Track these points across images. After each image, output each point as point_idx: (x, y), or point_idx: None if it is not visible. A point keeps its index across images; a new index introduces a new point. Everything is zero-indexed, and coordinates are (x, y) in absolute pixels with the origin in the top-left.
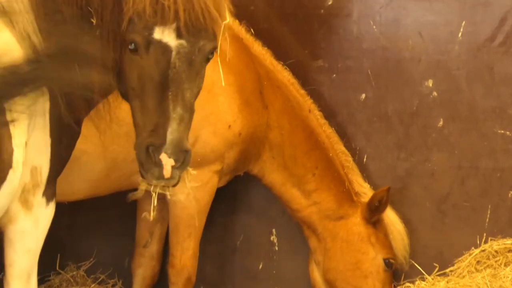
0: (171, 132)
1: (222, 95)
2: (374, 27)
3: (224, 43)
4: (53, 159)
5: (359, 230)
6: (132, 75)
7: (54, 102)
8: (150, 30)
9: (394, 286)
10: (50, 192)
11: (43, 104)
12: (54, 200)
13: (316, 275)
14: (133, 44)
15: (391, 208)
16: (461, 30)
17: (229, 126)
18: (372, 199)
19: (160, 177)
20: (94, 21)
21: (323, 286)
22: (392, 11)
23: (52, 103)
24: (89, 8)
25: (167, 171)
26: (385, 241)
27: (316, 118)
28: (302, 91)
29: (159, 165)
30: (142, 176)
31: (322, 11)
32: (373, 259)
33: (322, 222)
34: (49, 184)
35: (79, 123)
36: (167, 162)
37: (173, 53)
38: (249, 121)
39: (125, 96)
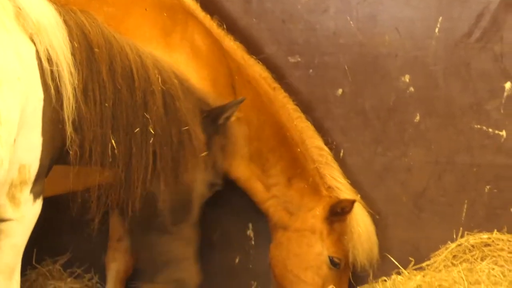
0: None
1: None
2: (351, 22)
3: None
4: (43, 157)
5: (314, 223)
6: None
7: (49, 100)
8: None
9: (370, 281)
10: (38, 189)
11: (36, 104)
12: (41, 197)
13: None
14: None
15: (364, 208)
16: (438, 25)
17: None
18: (336, 204)
19: None
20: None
21: None
22: (369, 7)
23: (46, 102)
24: None
25: None
26: (338, 240)
27: (288, 113)
28: (275, 85)
29: None
30: None
31: (299, 6)
32: (318, 254)
33: (278, 213)
34: (37, 181)
35: None
36: None
37: None
38: None
39: None
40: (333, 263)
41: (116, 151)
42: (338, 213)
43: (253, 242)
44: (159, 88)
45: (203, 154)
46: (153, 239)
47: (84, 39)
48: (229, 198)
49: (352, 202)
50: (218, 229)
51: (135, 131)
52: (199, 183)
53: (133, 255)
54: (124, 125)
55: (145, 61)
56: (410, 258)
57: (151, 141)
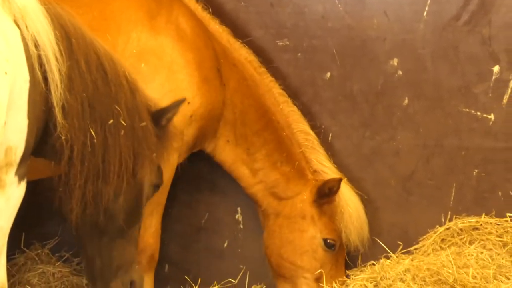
0: None
1: (181, 73)
2: (339, 6)
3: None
4: (29, 139)
5: (303, 207)
6: None
7: (34, 82)
8: None
9: (359, 264)
10: (22, 171)
11: (22, 85)
12: (25, 179)
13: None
14: None
15: (352, 188)
16: (426, 9)
17: (188, 103)
18: (323, 185)
19: None
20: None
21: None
22: None
23: (31, 83)
24: None
25: None
26: (329, 221)
27: (274, 96)
28: (262, 69)
29: None
30: None
31: None
32: (311, 238)
33: (266, 199)
34: (22, 163)
35: None
36: None
37: None
38: (208, 98)
39: None
40: (328, 245)
41: (95, 140)
42: (326, 194)
43: (241, 226)
44: (125, 81)
45: (154, 154)
46: (107, 243)
47: (63, 30)
48: (218, 182)
49: (339, 180)
50: (207, 213)
51: (109, 122)
52: (147, 184)
53: None
54: (100, 116)
55: (112, 55)
56: (399, 242)
57: (122, 133)
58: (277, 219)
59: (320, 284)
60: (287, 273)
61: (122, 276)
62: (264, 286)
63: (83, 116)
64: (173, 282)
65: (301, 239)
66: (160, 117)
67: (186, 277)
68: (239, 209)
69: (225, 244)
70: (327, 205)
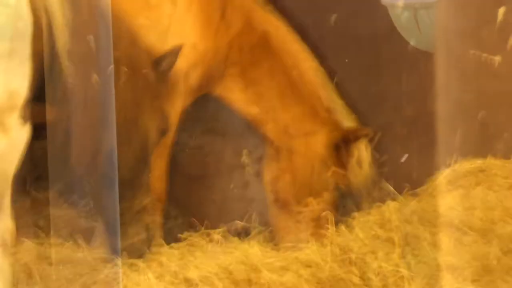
0: None
1: (186, 15)
2: None
3: None
4: (31, 83)
5: (319, 149)
6: None
7: (37, 26)
8: None
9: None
10: (26, 114)
11: (25, 30)
12: (29, 122)
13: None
14: None
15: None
16: None
17: (193, 46)
18: (349, 132)
19: None
20: None
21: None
22: None
23: (35, 28)
24: None
25: None
26: (342, 167)
27: (281, 35)
28: (268, 8)
29: None
30: None
31: None
32: (323, 180)
33: (281, 139)
34: (25, 107)
35: None
36: None
37: None
38: (213, 41)
39: None
40: (337, 189)
41: (97, 87)
42: (349, 140)
43: (248, 169)
44: (125, 24)
45: (158, 100)
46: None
47: None
48: (224, 123)
49: (368, 132)
50: (212, 156)
51: (110, 67)
52: (153, 130)
53: None
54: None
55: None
56: (405, 184)
57: (123, 80)
58: (291, 156)
59: (326, 225)
60: (292, 210)
61: (136, 222)
62: (270, 228)
63: (85, 61)
64: (180, 225)
65: (311, 180)
66: (160, 62)
67: (194, 219)
68: (245, 151)
69: (231, 187)
70: (342, 149)
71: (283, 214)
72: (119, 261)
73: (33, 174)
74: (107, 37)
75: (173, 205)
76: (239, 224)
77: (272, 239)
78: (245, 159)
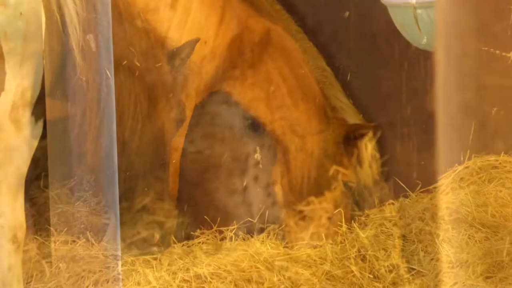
0: None
1: (199, 11)
2: None
3: None
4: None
5: (326, 146)
6: None
7: (51, 24)
8: None
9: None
10: (39, 110)
11: (37, 27)
12: (42, 119)
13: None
14: None
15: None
16: None
17: (205, 42)
18: (354, 129)
19: None
20: None
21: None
22: None
23: (48, 24)
24: None
25: None
26: (350, 164)
27: (290, 33)
28: (278, 7)
29: None
30: None
31: None
32: (331, 178)
33: (287, 136)
34: (38, 104)
35: None
36: None
37: None
38: (225, 37)
39: None
40: (345, 186)
41: (110, 82)
42: (354, 137)
43: (261, 166)
44: (139, 21)
45: (171, 94)
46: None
47: None
48: (236, 121)
49: (372, 127)
50: (225, 153)
51: (123, 63)
52: (168, 122)
53: None
54: (114, 57)
55: None
56: (418, 181)
57: (136, 74)
58: (298, 155)
59: (338, 223)
60: (301, 209)
61: (149, 217)
62: (281, 227)
63: (98, 59)
64: (192, 222)
65: (319, 178)
66: (174, 57)
67: (205, 217)
68: (258, 148)
69: (244, 184)
70: (349, 147)
71: (292, 212)
72: (129, 259)
73: (46, 171)
74: (107, 35)
75: (185, 202)
76: (250, 222)
77: (284, 237)
78: (258, 156)
